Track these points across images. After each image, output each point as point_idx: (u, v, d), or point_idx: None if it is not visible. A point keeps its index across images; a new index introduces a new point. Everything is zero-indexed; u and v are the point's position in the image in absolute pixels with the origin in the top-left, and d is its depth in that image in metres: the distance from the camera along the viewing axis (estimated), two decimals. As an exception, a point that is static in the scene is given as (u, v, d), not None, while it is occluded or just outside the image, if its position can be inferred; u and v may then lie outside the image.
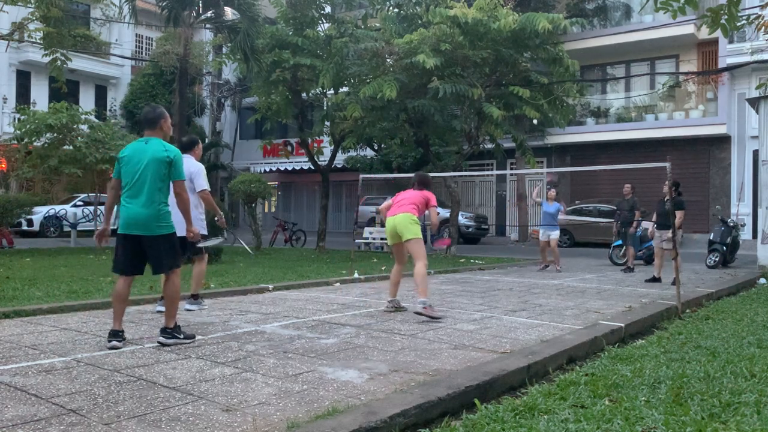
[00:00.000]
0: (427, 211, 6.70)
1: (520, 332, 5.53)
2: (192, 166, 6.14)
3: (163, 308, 6.32)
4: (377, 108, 15.45)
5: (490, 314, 6.57)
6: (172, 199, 4.86)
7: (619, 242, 13.82)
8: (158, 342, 4.77)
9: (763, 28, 8.96)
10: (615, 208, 13.17)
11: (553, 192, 12.56)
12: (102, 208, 20.80)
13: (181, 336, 4.86)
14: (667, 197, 9.59)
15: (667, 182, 9.76)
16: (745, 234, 18.43)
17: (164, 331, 4.80)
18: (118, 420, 3.04)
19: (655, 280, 9.94)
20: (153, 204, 4.64)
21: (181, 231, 5.14)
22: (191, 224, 5.03)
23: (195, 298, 6.55)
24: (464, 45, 14.24)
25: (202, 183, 6.25)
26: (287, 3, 16.37)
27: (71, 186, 20.99)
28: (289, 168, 29.66)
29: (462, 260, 14.16)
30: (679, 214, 9.90)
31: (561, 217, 12.68)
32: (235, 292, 7.93)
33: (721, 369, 4.20)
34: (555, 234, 12.14)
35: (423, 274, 6.26)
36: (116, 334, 4.65)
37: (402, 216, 6.48)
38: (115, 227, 4.89)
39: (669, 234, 9.46)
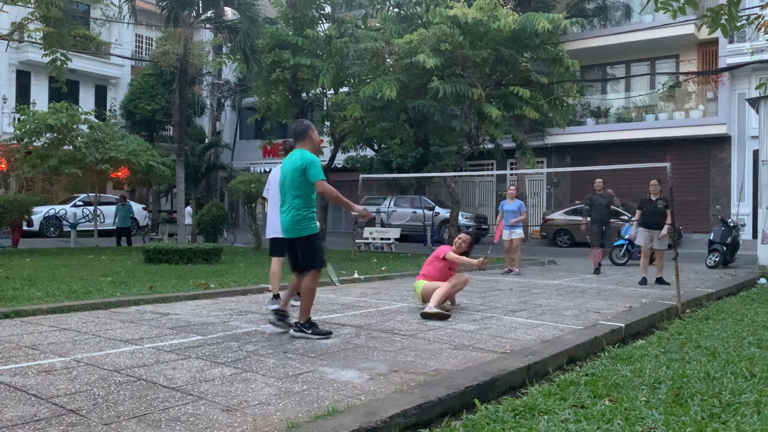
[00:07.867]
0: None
1: (520, 332, 5.53)
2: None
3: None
4: (377, 108, 15.45)
5: (490, 314, 6.58)
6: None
7: (620, 242, 13.81)
8: (290, 335, 4.97)
9: (763, 28, 8.95)
10: (586, 205, 11.96)
11: (512, 189, 11.95)
12: (102, 208, 20.82)
13: (309, 331, 5.02)
14: (656, 197, 9.57)
15: (652, 181, 9.68)
16: (745, 234, 18.42)
17: (296, 326, 5.04)
18: (118, 420, 3.04)
19: (645, 281, 9.69)
20: (292, 210, 5.11)
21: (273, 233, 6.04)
22: (352, 207, 5.43)
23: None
24: (464, 45, 14.24)
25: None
26: (287, 3, 16.39)
27: (71, 186, 20.96)
28: (289, 168, 29.57)
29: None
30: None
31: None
32: (235, 292, 7.93)
33: (721, 369, 4.20)
34: (517, 233, 11.53)
35: (444, 293, 6.52)
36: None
37: (415, 285, 7.01)
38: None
39: (663, 232, 9.44)
